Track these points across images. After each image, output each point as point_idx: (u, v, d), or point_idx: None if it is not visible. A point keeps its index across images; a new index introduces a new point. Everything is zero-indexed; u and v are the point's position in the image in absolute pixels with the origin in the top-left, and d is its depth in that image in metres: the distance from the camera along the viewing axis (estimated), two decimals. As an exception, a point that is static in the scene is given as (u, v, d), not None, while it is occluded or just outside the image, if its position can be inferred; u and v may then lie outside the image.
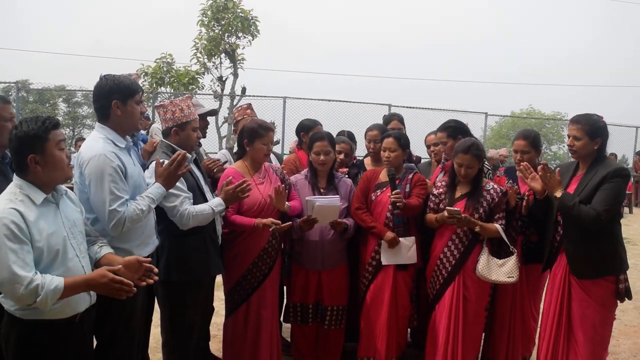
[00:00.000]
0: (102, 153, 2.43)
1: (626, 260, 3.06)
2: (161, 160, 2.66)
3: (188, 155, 2.73)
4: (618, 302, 3.06)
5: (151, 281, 2.20)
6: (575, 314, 3.05)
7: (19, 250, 1.93)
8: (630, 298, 3.05)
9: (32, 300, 1.94)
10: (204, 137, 3.78)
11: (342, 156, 3.85)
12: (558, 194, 2.98)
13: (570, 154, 3.21)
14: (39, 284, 1.93)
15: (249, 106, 4.23)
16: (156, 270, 2.22)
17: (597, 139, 3.02)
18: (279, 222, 3.19)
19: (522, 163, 3.21)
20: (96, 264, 2.29)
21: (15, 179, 2.08)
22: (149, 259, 2.21)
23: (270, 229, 3.16)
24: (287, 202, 3.35)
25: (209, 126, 4.05)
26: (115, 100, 2.53)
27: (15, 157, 2.08)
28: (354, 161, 4.37)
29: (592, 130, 3.01)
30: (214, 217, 2.97)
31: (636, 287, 5.85)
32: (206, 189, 3.10)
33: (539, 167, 3.06)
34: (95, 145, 2.48)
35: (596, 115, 3.09)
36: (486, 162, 3.64)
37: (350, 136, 4.41)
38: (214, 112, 3.96)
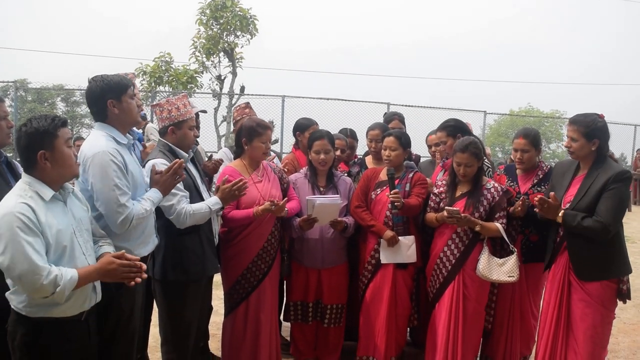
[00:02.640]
0: (105, 150, 2.44)
1: (629, 261, 3.04)
2: (157, 169, 2.70)
3: (184, 163, 2.74)
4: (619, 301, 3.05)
5: (145, 276, 2.21)
6: (575, 312, 3.04)
7: (34, 242, 1.96)
8: (629, 298, 3.03)
9: (51, 291, 1.96)
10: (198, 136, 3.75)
11: (338, 152, 3.83)
12: (560, 219, 2.99)
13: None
14: (57, 274, 1.97)
15: (247, 105, 4.21)
16: (144, 267, 2.23)
17: (594, 140, 2.98)
18: (276, 202, 3.15)
19: (535, 198, 3.08)
20: None
21: (24, 176, 2.12)
22: (137, 257, 2.23)
23: (272, 208, 3.12)
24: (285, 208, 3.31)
25: (209, 125, 4.02)
26: (110, 100, 2.53)
27: (24, 154, 2.09)
28: (355, 159, 4.36)
29: (588, 132, 2.97)
30: (210, 215, 2.97)
31: (635, 284, 5.86)
32: (203, 188, 3.10)
33: (535, 202, 3.00)
34: (98, 142, 2.48)
35: (595, 115, 3.03)
36: (486, 161, 3.63)
37: (352, 134, 4.40)
38: (202, 111, 3.93)
